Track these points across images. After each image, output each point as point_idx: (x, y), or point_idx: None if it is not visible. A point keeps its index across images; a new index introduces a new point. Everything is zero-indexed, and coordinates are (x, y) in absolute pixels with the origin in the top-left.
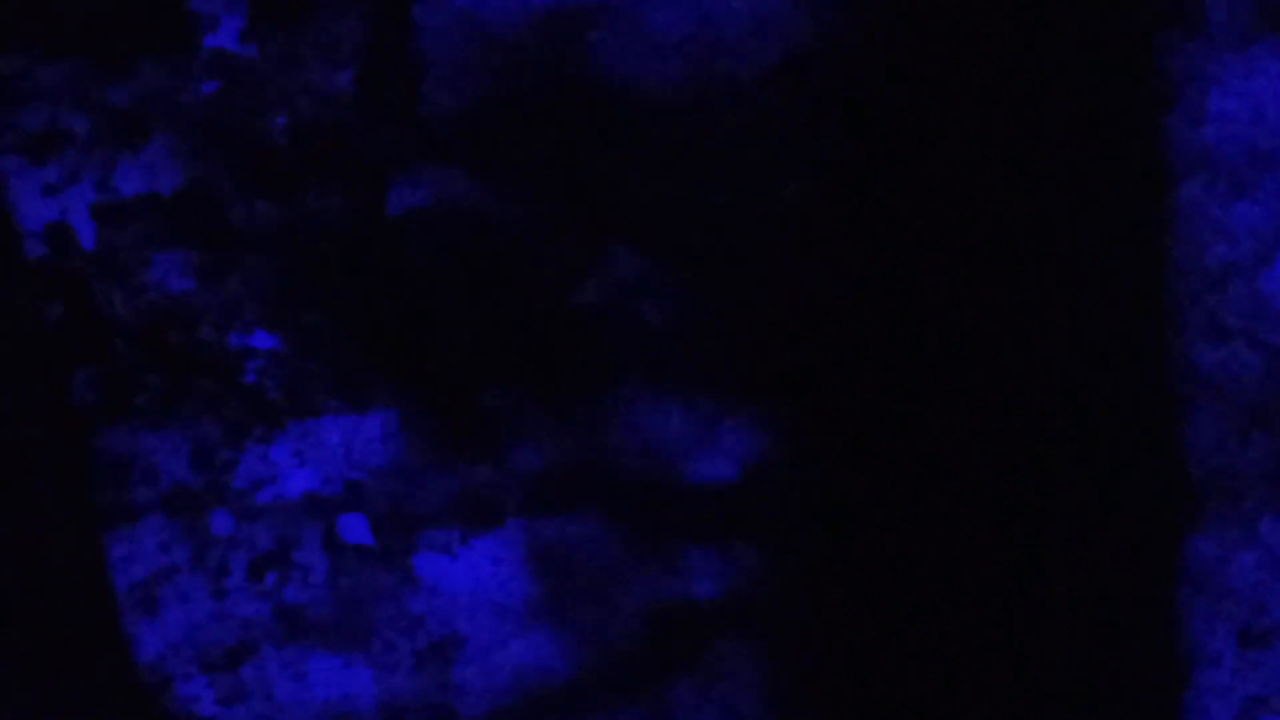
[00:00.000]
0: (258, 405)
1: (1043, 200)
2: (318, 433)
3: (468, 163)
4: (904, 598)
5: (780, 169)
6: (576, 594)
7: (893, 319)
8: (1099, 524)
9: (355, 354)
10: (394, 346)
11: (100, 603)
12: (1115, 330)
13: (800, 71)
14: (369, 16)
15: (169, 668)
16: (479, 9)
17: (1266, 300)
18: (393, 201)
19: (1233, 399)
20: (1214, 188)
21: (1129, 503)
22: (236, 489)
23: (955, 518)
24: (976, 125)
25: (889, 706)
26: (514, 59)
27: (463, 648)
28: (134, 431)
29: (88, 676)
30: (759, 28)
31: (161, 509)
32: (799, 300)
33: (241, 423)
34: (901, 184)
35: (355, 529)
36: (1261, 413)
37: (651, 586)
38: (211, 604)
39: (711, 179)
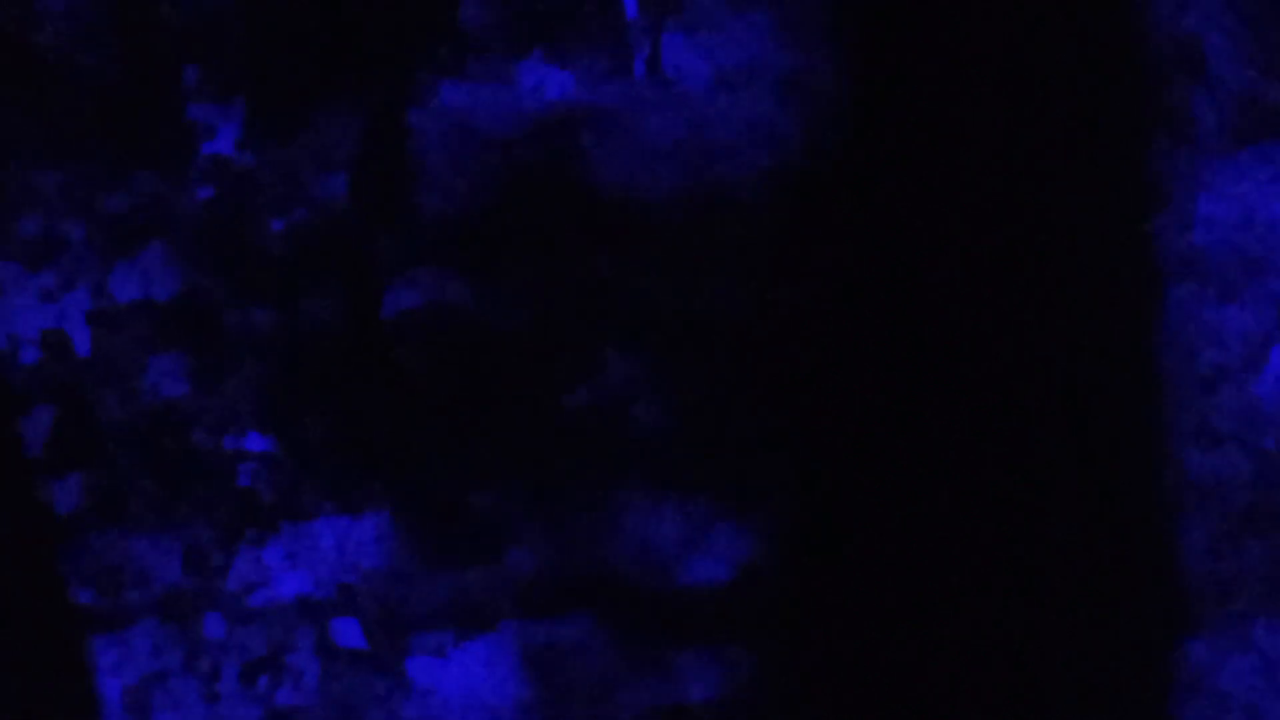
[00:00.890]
0: (251, 508)
1: (1031, 306)
2: (311, 536)
3: (462, 266)
4: (902, 701)
5: (773, 272)
6: (569, 698)
7: (887, 425)
8: (1092, 629)
9: (349, 457)
10: (387, 449)
11: (88, 713)
12: (1106, 436)
13: (792, 176)
14: (363, 123)
15: None
16: (473, 114)
17: (1257, 405)
18: (387, 305)
19: (1224, 503)
20: (1204, 292)
21: (1122, 608)
22: (229, 592)
23: (948, 624)
24: (966, 229)
25: None
26: (507, 163)
27: None
28: (126, 535)
29: None
30: (752, 133)
31: (154, 613)
32: (792, 402)
33: (234, 526)
34: (895, 291)
35: (348, 632)
36: (1253, 517)
37: (644, 691)
38: (204, 709)
39: (704, 282)
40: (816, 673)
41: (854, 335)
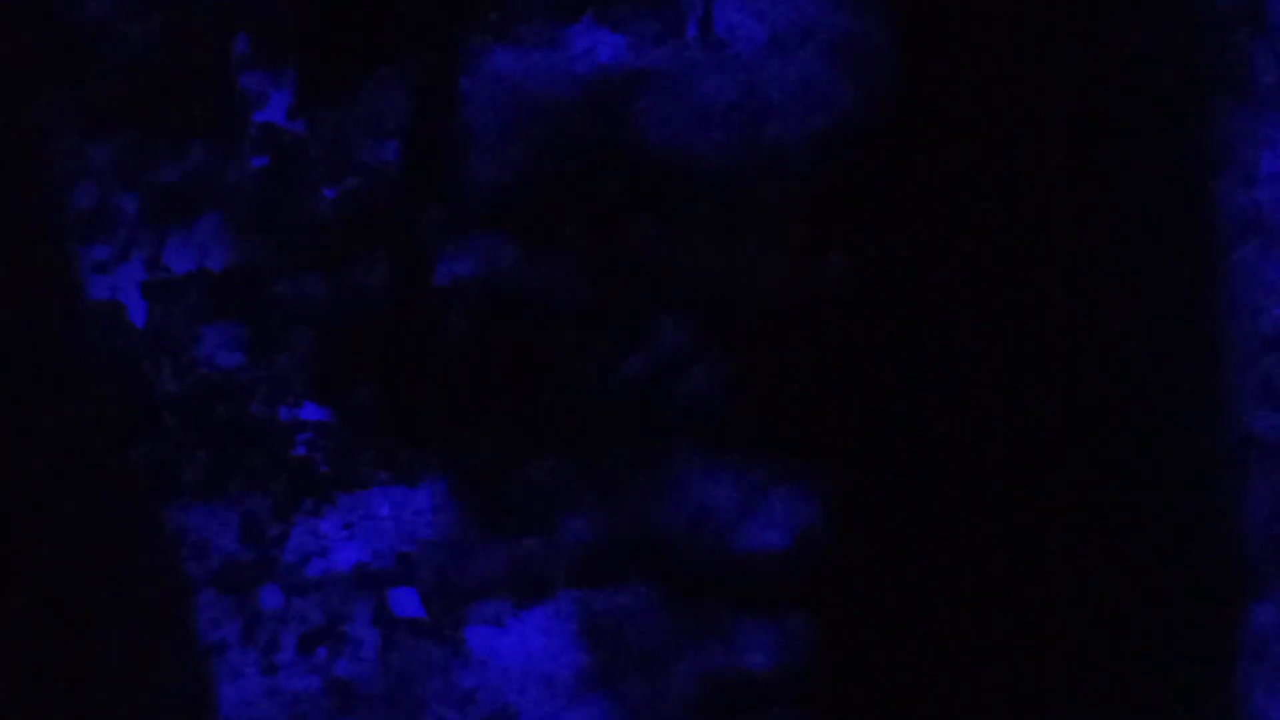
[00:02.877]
0: (307, 478)
1: (1092, 267)
2: (367, 505)
3: (514, 232)
4: (962, 670)
5: (826, 235)
6: (628, 666)
7: (944, 387)
8: (1154, 594)
9: (404, 426)
10: (442, 418)
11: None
12: (1170, 397)
13: (845, 138)
14: (414, 89)
15: None
16: (526, 79)
17: None
18: (439, 273)
19: None
20: (1268, 250)
21: (1185, 572)
22: (286, 563)
23: (1007, 591)
24: (1024, 191)
25: None
26: (560, 127)
27: None
28: (184, 506)
29: None
30: (805, 94)
31: (212, 584)
32: (848, 367)
33: (291, 496)
34: (952, 254)
35: (406, 602)
36: None
37: (703, 658)
38: (262, 680)
39: (758, 246)
40: (876, 640)
41: (909, 299)
